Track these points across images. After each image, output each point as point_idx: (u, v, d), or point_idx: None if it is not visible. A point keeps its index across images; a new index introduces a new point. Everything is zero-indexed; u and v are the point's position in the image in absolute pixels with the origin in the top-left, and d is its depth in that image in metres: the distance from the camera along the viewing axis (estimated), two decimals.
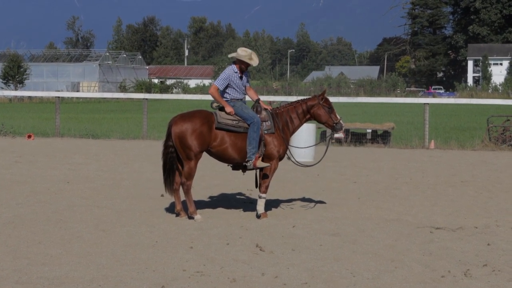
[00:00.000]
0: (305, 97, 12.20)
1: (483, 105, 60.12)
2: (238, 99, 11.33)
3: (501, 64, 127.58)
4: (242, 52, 11.23)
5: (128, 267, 8.16)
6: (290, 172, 16.73)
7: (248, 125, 11.08)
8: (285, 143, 11.43)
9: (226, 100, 11.28)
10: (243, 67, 11.31)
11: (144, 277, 7.80)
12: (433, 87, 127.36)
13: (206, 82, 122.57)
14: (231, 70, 11.28)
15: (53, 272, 7.93)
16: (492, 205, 12.72)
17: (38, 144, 23.82)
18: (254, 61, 11.24)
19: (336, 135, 23.14)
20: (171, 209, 11.82)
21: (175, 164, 11.21)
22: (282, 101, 26.06)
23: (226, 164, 11.74)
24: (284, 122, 11.51)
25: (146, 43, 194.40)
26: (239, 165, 11.41)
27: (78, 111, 50.79)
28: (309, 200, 12.91)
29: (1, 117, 37.99)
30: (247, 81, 11.52)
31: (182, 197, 11.62)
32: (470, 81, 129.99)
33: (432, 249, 9.18)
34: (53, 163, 18.32)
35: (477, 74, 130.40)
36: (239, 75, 11.31)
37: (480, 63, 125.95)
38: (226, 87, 11.27)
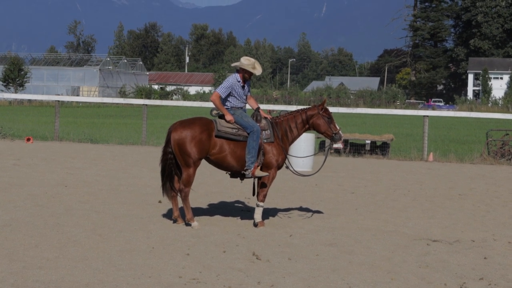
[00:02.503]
0: (304, 107, 12.20)
1: (482, 119, 60.22)
2: (238, 108, 11.34)
3: (501, 78, 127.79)
4: (246, 61, 11.24)
5: (124, 273, 8.16)
6: (288, 181, 16.73)
7: (248, 133, 11.08)
8: (284, 152, 11.43)
9: (226, 108, 11.28)
10: (246, 76, 11.31)
11: (140, 283, 7.79)
12: (433, 99, 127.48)
13: (206, 89, 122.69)
14: (235, 79, 11.28)
15: (49, 276, 7.93)
16: (489, 218, 12.72)
17: (37, 148, 23.81)
18: (257, 71, 11.25)
19: (335, 146, 23.11)
20: (168, 215, 11.82)
21: (174, 170, 11.22)
22: (281, 110, 26.10)
23: (225, 172, 11.75)
24: (284, 131, 11.51)
25: (147, 49, 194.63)
26: (238, 173, 11.41)
27: (77, 116, 50.83)
28: (307, 210, 12.91)
29: (0, 119, 37.99)
30: (248, 90, 11.53)
31: (180, 203, 11.61)
32: (470, 94, 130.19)
33: (428, 262, 9.18)
34: (51, 167, 18.32)
35: (477, 88, 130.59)
36: (242, 84, 11.32)
37: (481, 77, 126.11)
38: (228, 95, 11.27)
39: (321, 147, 23.61)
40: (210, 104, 11.38)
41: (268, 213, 12.38)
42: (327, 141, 14.33)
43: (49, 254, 8.94)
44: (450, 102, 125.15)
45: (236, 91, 11.26)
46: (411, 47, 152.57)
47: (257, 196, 11.43)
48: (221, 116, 11.28)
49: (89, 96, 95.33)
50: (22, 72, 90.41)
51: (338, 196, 14.94)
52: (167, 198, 11.46)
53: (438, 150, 26.21)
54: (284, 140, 11.49)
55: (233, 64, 11.51)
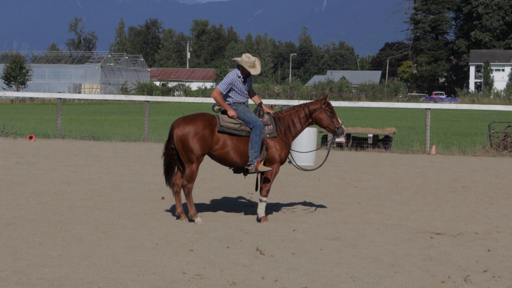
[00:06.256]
0: (307, 101, 12.20)
1: (484, 111, 60.23)
2: (241, 103, 11.33)
3: (503, 70, 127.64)
4: (246, 59, 11.22)
5: (128, 269, 8.16)
6: (291, 176, 16.73)
7: (251, 128, 11.08)
8: (286, 147, 11.42)
9: (228, 104, 11.28)
10: (246, 72, 11.29)
11: (144, 279, 7.80)
12: (435, 92, 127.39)
13: (208, 85, 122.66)
14: (235, 75, 11.26)
15: (53, 274, 7.93)
16: (492, 211, 12.71)
17: (39, 145, 23.83)
18: (255, 70, 11.21)
19: (337, 140, 23.14)
20: (171, 211, 11.83)
21: (178, 166, 11.24)
22: (283, 105, 26.10)
23: (228, 167, 11.75)
24: (286, 126, 11.51)
25: (148, 46, 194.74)
26: (241, 168, 11.41)
27: (79, 113, 50.84)
28: (310, 204, 12.91)
29: (2, 118, 38.01)
30: (250, 85, 11.52)
31: (183, 199, 11.61)
32: (472, 86, 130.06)
33: (432, 255, 9.18)
34: (54, 165, 18.33)
35: (479, 80, 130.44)
36: (243, 79, 11.31)
37: (482, 69, 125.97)
38: (229, 90, 11.27)
39: (323, 141, 23.63)
40: (212, 100, 11.40)
41: (271, 208, 12.39)
42: (330, 135, 14.39)
43: (52, 252, 8.94)
44: (452, 95, 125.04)
45: (237, 86, 11.26)
46: (412, 40, 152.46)
47: (260, 191, 11.43)
48: (224, 112, 11.28)
49: (91, 93, 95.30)
50: (24, 70, 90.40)
51: (341, 190, 14.94)
52: (171, 191, 11.48)
53: (440, 143, 26.21)
54: (287, 135, 11.49)
55: (233, 59, 11.51)
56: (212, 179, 16.05)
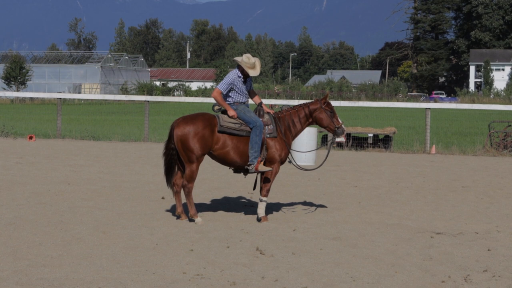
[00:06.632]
0: (307, 101, 12.18)
1: (484, 111, 60.24)
2: (241, 103, 11.32)
3: (503, 69, 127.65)
4: (246, 59, 11.21)
5: (128, 269, 8.16)
6: (291, 175, 16.73)
7: (251, 128, 11.07)
8: (287, 147, 11.41)
9: (229, 104, 11.27)
10: (246, 73, 11.28)
11: (144, 279, 7.80)
12: (435, 92, 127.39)
13: (208, 85, 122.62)
14: (235, 75, 11.26)
15: (53, 274, 7.93)
16: (493, 210, 12.71)
17: (39, 146, 23.83)
18: (254, 72, 11.19)
19: (337, 139, 23.14)
20: (171, 211, 11.82)
21: (175, 164, 11.24)
22: (283, 105, 26.09)
23: (228, 167, 11.74)
24: (286, 126, 11.50)
25: (148, 46, 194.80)
26: (241, 168, 11.41)
27: (79, 113, 50.82)
28: (310, 204, 12.91)
29: (2, 118, 38.02)
30: (250, 85, 11.51)
31: (183, 199, 11.59)
32: (472, 86, 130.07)
33: (432, 254, 9.18)
34: (54, 165, 18.33)
35: (479, 80, 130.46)
36: (243, 79, 11.30)
37: (482, 69, 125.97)
38: (229, 90, 11.26)
39: (323, 141, 23.63)
40: (212, 100, 11.41)
41: (272, 208, 12.39)
42: (330, 135, 14.37)
43: (52, 252, 8.94)
44: (452, 94, 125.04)
45: (238, 86, 11.25)
46: (412, 39, 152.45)
47: (260, 191, 11.43)
48: (224, 111, 11.27)
49: (91, 93, 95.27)
50: (24, 70, 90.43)
51: (341, 189, 14.93)
52: (171, 191, 11.48)
53: (440, 142, 26.20)
54: (287, 135, 11.48)
55: (234, 58, 11.50)
56: (212, 179, 16.04)
